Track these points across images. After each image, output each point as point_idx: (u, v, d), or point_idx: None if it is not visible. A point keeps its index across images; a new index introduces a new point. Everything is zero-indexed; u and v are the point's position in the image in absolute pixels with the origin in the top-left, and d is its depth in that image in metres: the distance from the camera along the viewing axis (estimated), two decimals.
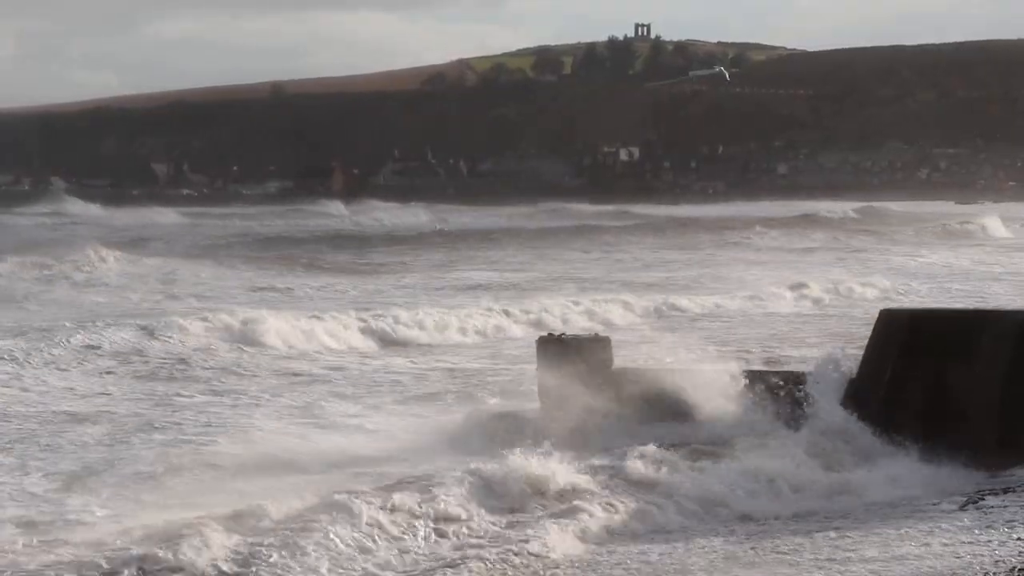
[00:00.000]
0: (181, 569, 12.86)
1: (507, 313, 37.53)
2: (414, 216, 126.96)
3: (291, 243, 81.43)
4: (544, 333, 23.23)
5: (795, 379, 20.12)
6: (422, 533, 14.48)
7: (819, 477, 17.61)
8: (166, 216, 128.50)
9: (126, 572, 12.74)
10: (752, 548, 14.83)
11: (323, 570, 13.24)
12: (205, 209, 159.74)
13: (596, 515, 15.38)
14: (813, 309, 41.66)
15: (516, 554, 14.01)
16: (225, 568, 13.02)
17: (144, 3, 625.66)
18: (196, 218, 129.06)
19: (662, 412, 20.46)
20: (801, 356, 27.79)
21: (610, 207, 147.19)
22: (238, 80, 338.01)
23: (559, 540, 14.53)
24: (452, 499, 15.12)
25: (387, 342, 33.50)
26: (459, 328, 35.25)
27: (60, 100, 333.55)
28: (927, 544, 14.72)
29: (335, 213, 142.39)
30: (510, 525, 15.01)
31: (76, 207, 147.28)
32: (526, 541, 14.36)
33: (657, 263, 63.58)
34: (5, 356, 28.28)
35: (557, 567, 13.96)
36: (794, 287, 45.05)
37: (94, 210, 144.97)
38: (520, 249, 74.47)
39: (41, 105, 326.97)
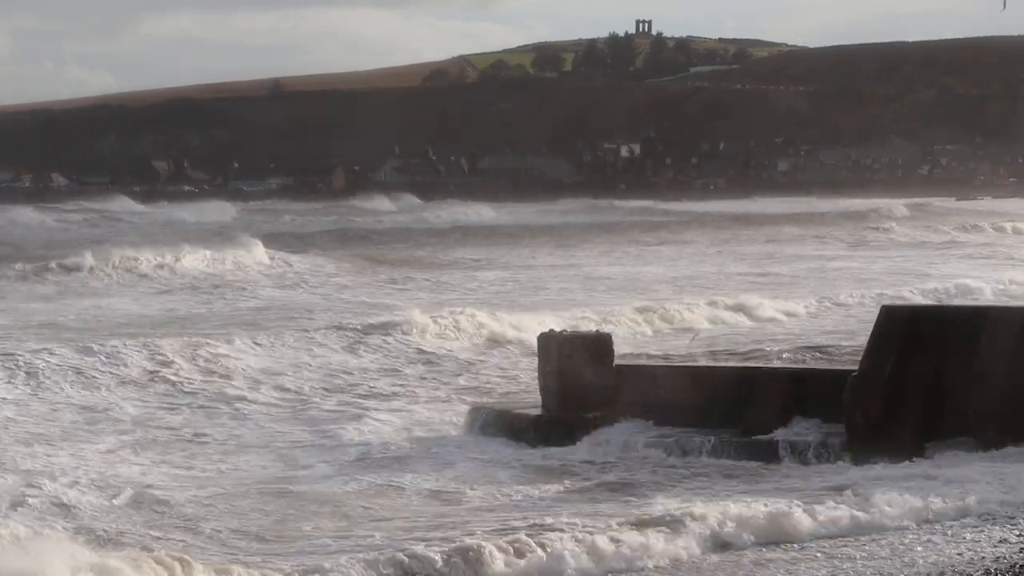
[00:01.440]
0: None
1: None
2: (477, 213, 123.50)
3: (409, 239, 79.04)
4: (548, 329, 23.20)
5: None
6: None
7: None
8: (226, 212, 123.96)
9: None
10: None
11: None
12: (247, 205, 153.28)
13: None
14: None
15: None
16: None
17: (138, 1, 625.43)
18: (254, 215, 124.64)
19: (662, 409, 20.49)
20: None
21: (643, 203, 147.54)
22: (237, 77, 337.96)
23: None
24: None
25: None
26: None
27: (57, 98, 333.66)
28: (929, 540, 14.73)
29: (383, 209, 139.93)
30: None
31: (118, 204, 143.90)
32: None
33: (817, 256, 62.08)
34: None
35: None
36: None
37: (135, 207, 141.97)
38: (666, 244, 73.48)
39: (41, 103, 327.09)
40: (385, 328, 30.65)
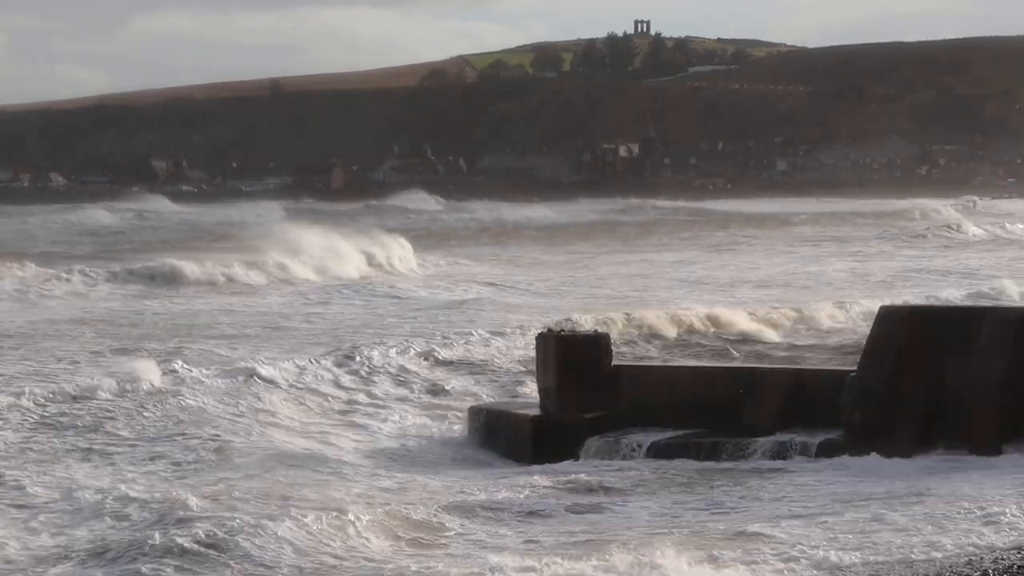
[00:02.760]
0: None
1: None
2: (537, 211, 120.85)
3: (505, 235, 78.62)
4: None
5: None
6: None
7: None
8: (273, 211, 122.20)
9: None
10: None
11: None
12: (294, 204, 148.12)
13: None
14: None
15: None
16: None
17: (135, 1, 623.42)
18: (305, 215, 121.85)
19: (660, 410, 20.47)
20: None
21: (676, 203, 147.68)
22: (236, 77, 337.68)
23: None
24: None
25: None
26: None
27: (54, 97, 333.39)
28: (927, 540, 14.70)
29: (430, 209, 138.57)
30: None
31: (157, 204, 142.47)
32: None
33: (906, 255, 61.79)
34: None
35: None
36: None
37: (173, 206, 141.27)
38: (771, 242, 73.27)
39: (40, 102, 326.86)
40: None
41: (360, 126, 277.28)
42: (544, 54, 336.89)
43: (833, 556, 14.11)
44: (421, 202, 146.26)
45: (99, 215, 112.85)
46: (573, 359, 20.82)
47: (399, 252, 52.77)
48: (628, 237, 78.21)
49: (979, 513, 15.57)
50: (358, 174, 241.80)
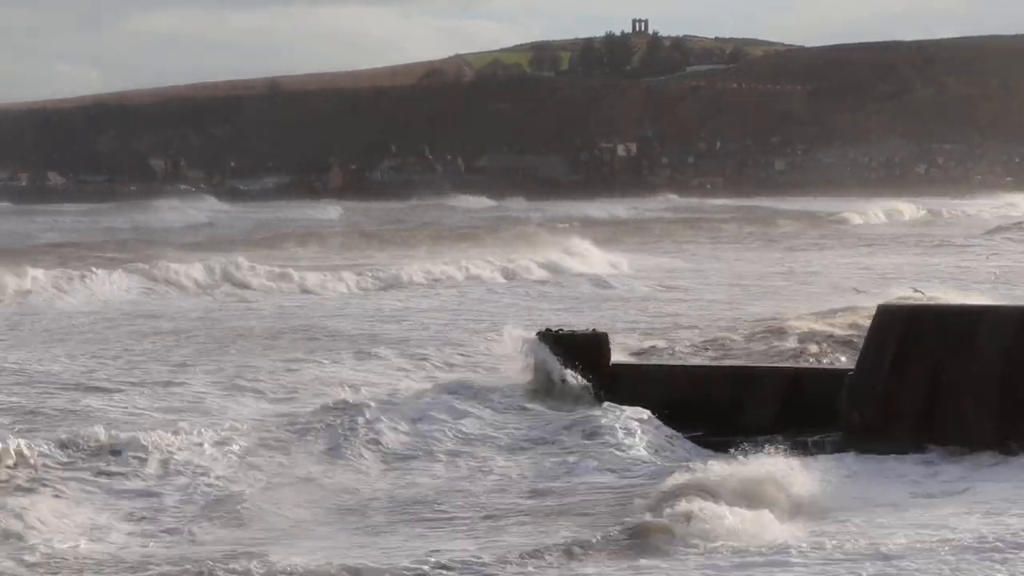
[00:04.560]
0: None
1: None
2: (599, 209, 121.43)
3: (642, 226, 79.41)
4: None
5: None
6: None
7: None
8: (330, 211, 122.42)
9: None
10: None
11: None
12: (349, 205, 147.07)
13: None
14: None
15: None
16: None
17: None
18: (360, 215, 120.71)
19: (658, 410, 20.44)
20: None
21: (722, 200, 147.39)
22: (234, 76, 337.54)
23: None
24: None
25: None
26: None
27: (51, 96, 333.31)
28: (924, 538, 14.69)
29: (480, 207, 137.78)
30: None
31: (207, 204, 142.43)
32: None
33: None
34: None
35: None
36: None
37: (222, 206, 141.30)
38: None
39: (37, 101, 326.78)
40: None
41: (358, 125, 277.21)
42: (542, 53, 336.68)
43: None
44: (466, 201, 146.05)
45: (190, 213, 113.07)
46: (571, 357, 20.79)
47: (584, 248, 53.64)
48: (730, 234, 78.47)
49: (978, 508, 15.54)
50: (356, 173, 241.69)
